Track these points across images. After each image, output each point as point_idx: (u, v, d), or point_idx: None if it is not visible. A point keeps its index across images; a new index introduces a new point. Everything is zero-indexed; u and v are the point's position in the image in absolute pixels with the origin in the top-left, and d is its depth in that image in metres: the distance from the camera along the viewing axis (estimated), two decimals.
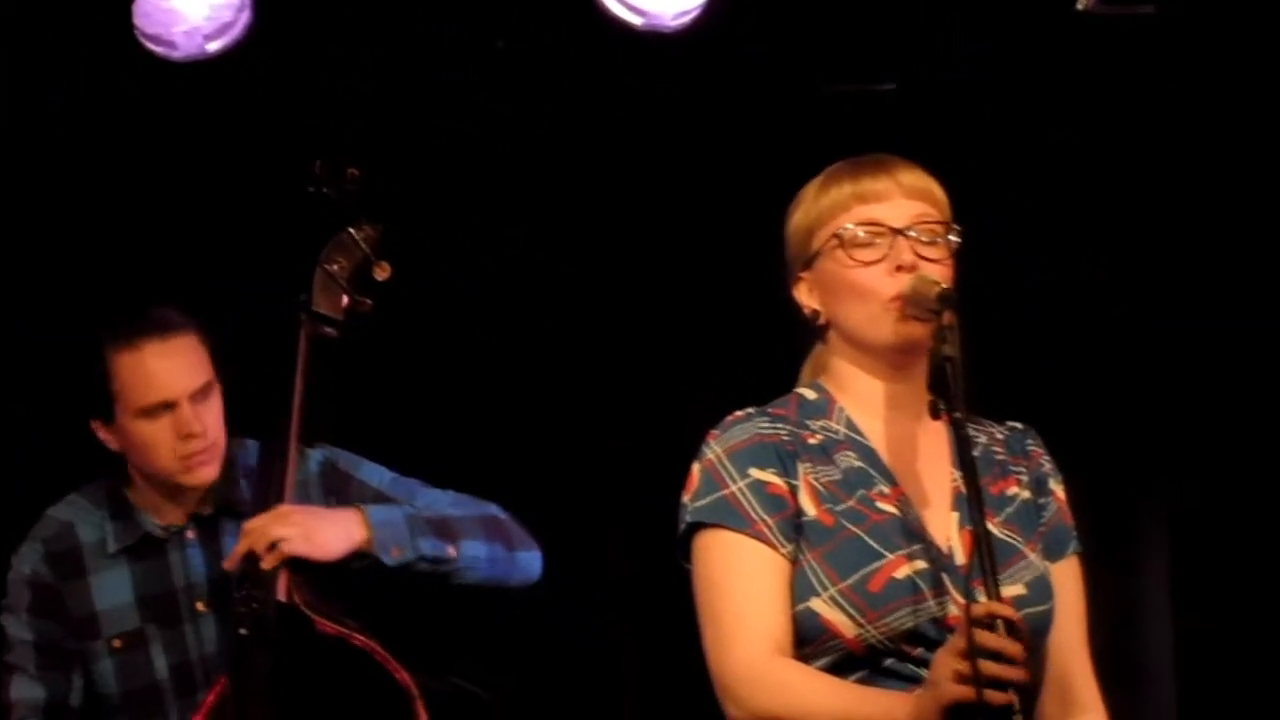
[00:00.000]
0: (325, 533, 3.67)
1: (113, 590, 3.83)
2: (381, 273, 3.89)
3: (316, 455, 3.92)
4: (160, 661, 3.81)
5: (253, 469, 3.88)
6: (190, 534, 3.86)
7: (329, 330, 3.88)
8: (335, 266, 3.88)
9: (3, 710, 3.81)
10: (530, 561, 3.92)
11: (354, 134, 4.37)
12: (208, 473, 3.80)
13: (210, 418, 3.79)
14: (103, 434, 3.83)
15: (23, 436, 4.44)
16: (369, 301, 3.90)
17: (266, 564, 3.63)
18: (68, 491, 3.93)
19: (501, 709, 3.72)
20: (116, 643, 3.80)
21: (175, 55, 4.33)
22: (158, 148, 4.51)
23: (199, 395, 3.77)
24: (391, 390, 4.64)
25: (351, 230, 3.91)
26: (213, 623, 3.79)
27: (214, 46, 4.33)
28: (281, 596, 3.63)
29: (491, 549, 3.84)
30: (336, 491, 3.89)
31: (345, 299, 3.89)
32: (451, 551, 3.77)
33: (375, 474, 3.96)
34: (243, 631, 3.60)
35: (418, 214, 4.36)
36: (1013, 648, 2.64)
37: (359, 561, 3.70)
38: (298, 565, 3.66)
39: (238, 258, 4.44)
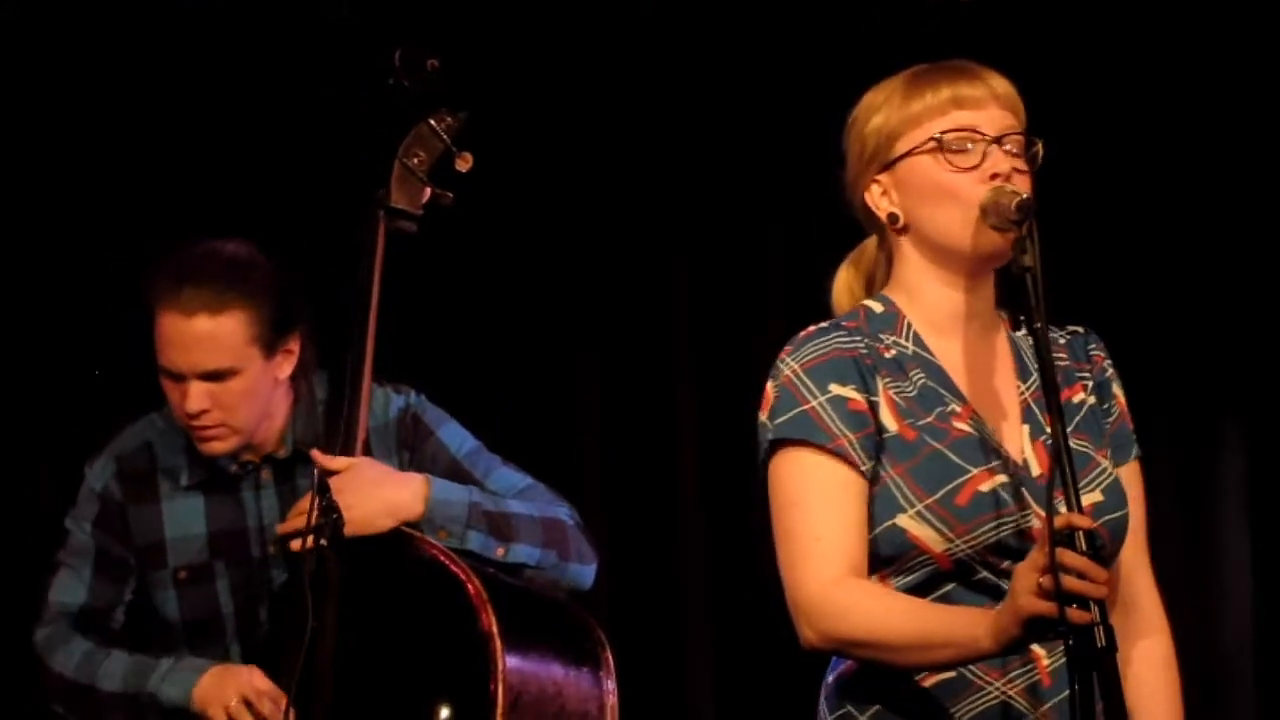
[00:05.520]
0: (369, 506, 3.56)
1: (184, 520, 3.78)
2: (464, 164, 3.75)
3: (398, 400, 3.80)
4: (225, 597, 3.77)
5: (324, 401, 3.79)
6: (265, 474, 3.79)
7: (407, 224, 3.75)
8: (415, 160, 3.76)
9: (39, 606, 3.78)
10: (580, 574, 3.78)
11: (434, 22, 4.31)
12: (217, 447, 3.70)
13: (227, 398, 3.65)
14: None
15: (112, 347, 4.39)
16: (450, 195, 3.78)
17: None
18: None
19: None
20: (182, 574, 3.76)
21: None
22: (231, 41, 4.48)
23: (213, 376, 3.64)
24: (473, 283, 4.62)
25: (431, 121, 3.79)
26: (283, 566, 3.70)
27: None
28: None
29: (544, 555, 3.71)
30: (411, 445, 3.79)
31: (426, 192, 3.76)
32: (499, 552, 3.65)
33: (457, 438, 3.82)
34: (323, 542, 3.51)
35: (500, 104, 4.30)
36: (1095, 568, 2.60)
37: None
38: None
39: (311, 157, 4.39)
